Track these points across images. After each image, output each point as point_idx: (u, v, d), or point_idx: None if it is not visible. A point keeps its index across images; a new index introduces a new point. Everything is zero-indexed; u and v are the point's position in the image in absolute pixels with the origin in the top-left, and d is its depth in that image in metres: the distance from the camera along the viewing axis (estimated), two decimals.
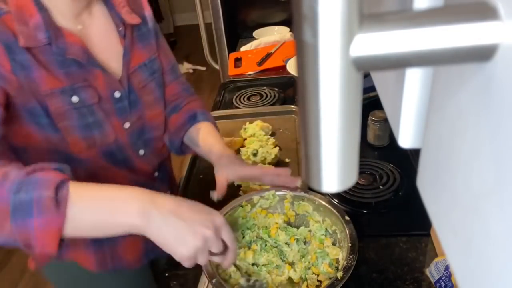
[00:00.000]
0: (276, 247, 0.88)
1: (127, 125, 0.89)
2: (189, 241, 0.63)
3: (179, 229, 0.63)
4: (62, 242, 0.60)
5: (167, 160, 1.08)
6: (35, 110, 0.76)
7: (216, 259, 0.71)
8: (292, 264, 0.86)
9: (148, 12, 0.96)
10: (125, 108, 0.88)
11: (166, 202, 0.64)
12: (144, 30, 0.94)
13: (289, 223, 0.93)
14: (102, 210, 0.61)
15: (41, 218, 0.57)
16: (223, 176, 0.92)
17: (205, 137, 0.98)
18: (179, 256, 0.64)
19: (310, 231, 0.90)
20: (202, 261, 0.67)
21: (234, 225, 0.91)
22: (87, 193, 0.62)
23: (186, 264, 0.65)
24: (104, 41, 0.86)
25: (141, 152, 0.94)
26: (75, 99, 0.79)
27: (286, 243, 0.88)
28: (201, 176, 1.21)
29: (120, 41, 0.89)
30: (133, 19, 0.89)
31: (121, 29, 0.88)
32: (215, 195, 0.92)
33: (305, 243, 0.89)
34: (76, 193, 0.60)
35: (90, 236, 0.68)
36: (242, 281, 0.81)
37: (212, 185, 0.94)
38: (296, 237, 0.88)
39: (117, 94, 0.86)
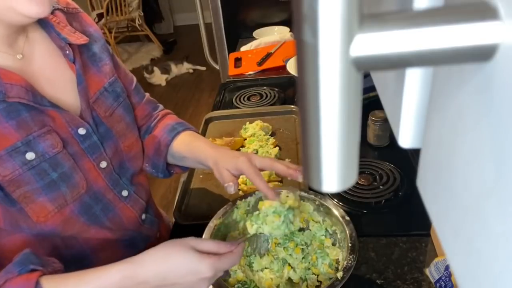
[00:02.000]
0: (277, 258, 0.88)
1: (103, 164, 0.77)
2: None
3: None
4: None
5: (151, 197, 0.97)
6: None
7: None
8: (291, 265, 0.86)
9: (94, 28, 0.83)
10: (96, 145, 0.76)
11: (149, 279, 0.61)
12: (94, 49, 0.81)
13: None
14: None
15: None
16: (224, 169, 0.80)
17: (191, 144, 0.88)
18: None
19: (310, 230, 0.90)
20: None
21: (232, 226, 0.91)
22: None
23: None
24: (50, 70, 0.73)
25: (125, 193, 0.83)
26: (30, 156, 0.65)
27: (289, 254, 0.88)
28: (201, 176, 1.21)
29: (70, 67, 0.76)
30: (79, 39, 0.76)
31: (68, 52, 0.75)
32: (232, 188, 0.80)
33: (307, 245, 0.89)
34: None
35: None
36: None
37: (215, 181, 0.94)
38: (300, 247, 0.88)
39: (81, 131, 0.73)
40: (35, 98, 0.66)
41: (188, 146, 0.89)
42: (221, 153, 0.83)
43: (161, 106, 1.00)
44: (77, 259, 0.77)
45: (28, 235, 0.68)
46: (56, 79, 0.74)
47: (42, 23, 0.74)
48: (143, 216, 0.89)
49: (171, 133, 0.91)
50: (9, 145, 0.63)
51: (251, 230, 0.76)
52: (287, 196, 0.79)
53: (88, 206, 0.74)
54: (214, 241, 0.70)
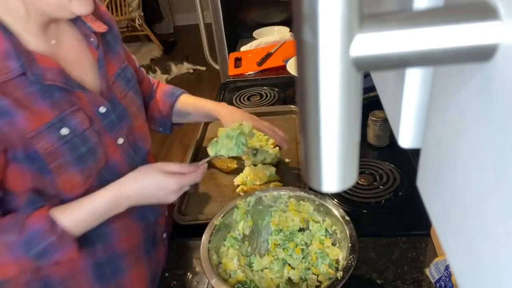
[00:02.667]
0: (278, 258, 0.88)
1: (120, 141, 0.85)
2: (168, 201, 0.83)
3: (156, 202, 0.82)
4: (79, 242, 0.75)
5: None
6: (31, 154, 0.71)
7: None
8: (291, 265, 0.86)
9: (108, 16, 0.90)
10: (114, 123, 0.83)
11: (131, 194, 0.78)
12: (109, 37, 0.89)
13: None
14: (95, 218, 0.77)
15: (61, 252, 0.73)
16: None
17: (193, 104, 1.08)
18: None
19: (310, 230, 0.90)
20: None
21: (232, 226, 0.91)
22: (76, 218, 0.74)
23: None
24: (76, 54, 0.81)
25: None
26: (64, 131, 0.73)
27: (289, 255, 0.88)
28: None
29: (91, 52, 0.83)
30: (100, 27, 0.84)
31: (93, 40, 0.82)
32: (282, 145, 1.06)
33: (307, 245, 0.89)
34: (67, 220, 0.73)
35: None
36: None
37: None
38: (300, 247, 0.88)
39: (102, 110, 0.81)
40: (67, 81, 0.74)
41: (191, 104, 1.08)
42: (225, 108, 1.04)
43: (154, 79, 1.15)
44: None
45: (31, 191, 0.76)
46: (81, 63, 0.81)
47: None
48: None
49: (172, 97, 1.08)
50: (47, 122, 0.71)
51: (211, 153, 0.89)
52: (240, 125, 0.92)
53: (104, 180, 0.81)
54: (178, 163, 0.85)
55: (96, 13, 0.87)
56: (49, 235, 0.70)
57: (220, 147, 0.89)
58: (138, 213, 0.89)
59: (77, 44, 0.82)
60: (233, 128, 0.90)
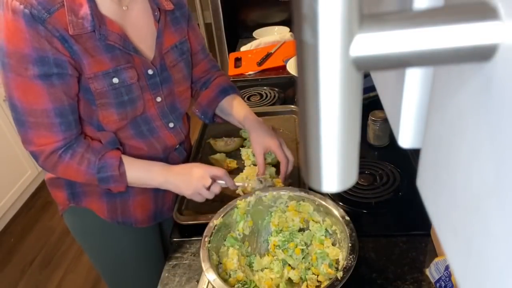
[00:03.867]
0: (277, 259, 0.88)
1: (158, 99, 1.02)
2: (189, 190, 0.98)
3: (183, 186, 0.99)
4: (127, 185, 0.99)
5: (189, 134, 1.23)
6: (86, 87, 0.90)
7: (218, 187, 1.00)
8: (292, 265, 0.86)
9: None
10: (157, 84, 1.00)
11: (176, 174, 0.99)
12: (177, 14, 1.05)
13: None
14: (144, 182, 1.00)
15: (115, 185, 0.97)
16: (259, 150, 1.06)
17: (237, 108, 1.15)
18: (187, 195, 1.01)
19: (310, 231, 0.90)
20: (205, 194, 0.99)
21: (232, 226, 0.91)
22: (135, 170, 0.98)
23: (196, 199, 1.00)
24: (141, 23, 0.97)
25: (171, 125, 1.07)
26: (115, 80, 0.91)
27: (289, 255, 0.88)
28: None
29: (155, 24, 0.99)
30: (168, 5, 1.00)
31: (157, 14, 0.98)
32: (260, 173, 1.07)
33: (306, 245, 0.89)
34: (129, 170, 0.97)
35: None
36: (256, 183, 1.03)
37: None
38: (300, 247, 0.88)
39: (150, 72, 0.98)
40: (125, 44, 0.92)
41: (235, 107, 1.16)
42: (258, 129, 1.09)
43: (218, 66, 1.25)
44: None
45: (95, 129, 0.98)
46: (143, 31, 0.97)
47: None
48: (177, 146, 1.14)
49: (223, 93, 1.17)
50: (104, 70, 0.90)
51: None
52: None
53: (138, 124, 1.01)
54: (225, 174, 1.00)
55: None
56: (115, 169, 0.94)
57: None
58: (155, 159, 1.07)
59: (145, 14, 0.98)
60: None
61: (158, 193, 1.12)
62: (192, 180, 0.97)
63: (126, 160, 0.97)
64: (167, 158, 1.11)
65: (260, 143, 1.06)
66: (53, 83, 0.85)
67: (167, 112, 1.06)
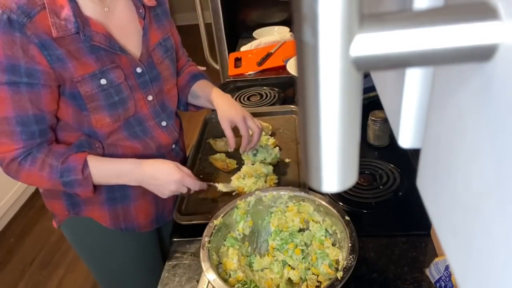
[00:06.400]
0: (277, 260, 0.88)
1: (150, 97, 1.02)
2: (164, 192, 0.99)
3: (156, 188, 0.98)
4: (95, 187, 0.96)
5: (182, 132, 1.23)
6: (74, 93, 0.90)
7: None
8: (292, 265, 0.86)
9: None
10: (147, 82, 1.00)
11: (146, 171, 0.96)
12: (158, 11, 1.06)
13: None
14: (112, 181, 0.98)
15: (80, 189, 0.94)
16: (225, 124, 1.09)
17: (206, 89, 1.18)
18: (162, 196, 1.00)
19: (309, 231, 0.90)
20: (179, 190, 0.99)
21: (232, 226, 0.91)
22: (102, 169, 0.95)
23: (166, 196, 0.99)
24: (125, 22, 0.97)
25: (164, 123, 1.08)
26: (103, 81, 0.91)
27: (289, 256, 0.88)
28: (201, 176, 1.21)
29: (139, 21, 0.99)
30: (150, 1, 1.01)
31: (142, 11, 0.99)
32: (230, 146, 1.10)
33: (306, 245, 0.89)
34: (95, 169, 0.93)
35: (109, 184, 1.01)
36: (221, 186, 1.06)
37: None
38: (300, 247, 0.88)
39: (138, 70, 0.98)
40: (111, 44, 0.91)
41: (203, 88, 1.19)
42: (223, 103, 1.12)
43: (190, 58, 1.30)
44: None
45: (85, 135, 0.98)
46: (128, 29, 0.98)
47: None
48: (173, 146, 1.14)
49: (193, 79, 1.21)
50: (90, 72, 0.89)
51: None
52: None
53: (131, 126, 1.01)
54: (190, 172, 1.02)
55: None
56: (78, 173, 0.91)
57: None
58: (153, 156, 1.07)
59: (128, 13, 0.98)
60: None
61: (158, 196, 1.10)
62: (164, 186, 0.97)
63: (92, 159, 0.94)
64: (164, 158, 1.09)
65: (226, 117, 1.09)
66: (20, 91, 0.84)
67: (159, 110, 1.06)
